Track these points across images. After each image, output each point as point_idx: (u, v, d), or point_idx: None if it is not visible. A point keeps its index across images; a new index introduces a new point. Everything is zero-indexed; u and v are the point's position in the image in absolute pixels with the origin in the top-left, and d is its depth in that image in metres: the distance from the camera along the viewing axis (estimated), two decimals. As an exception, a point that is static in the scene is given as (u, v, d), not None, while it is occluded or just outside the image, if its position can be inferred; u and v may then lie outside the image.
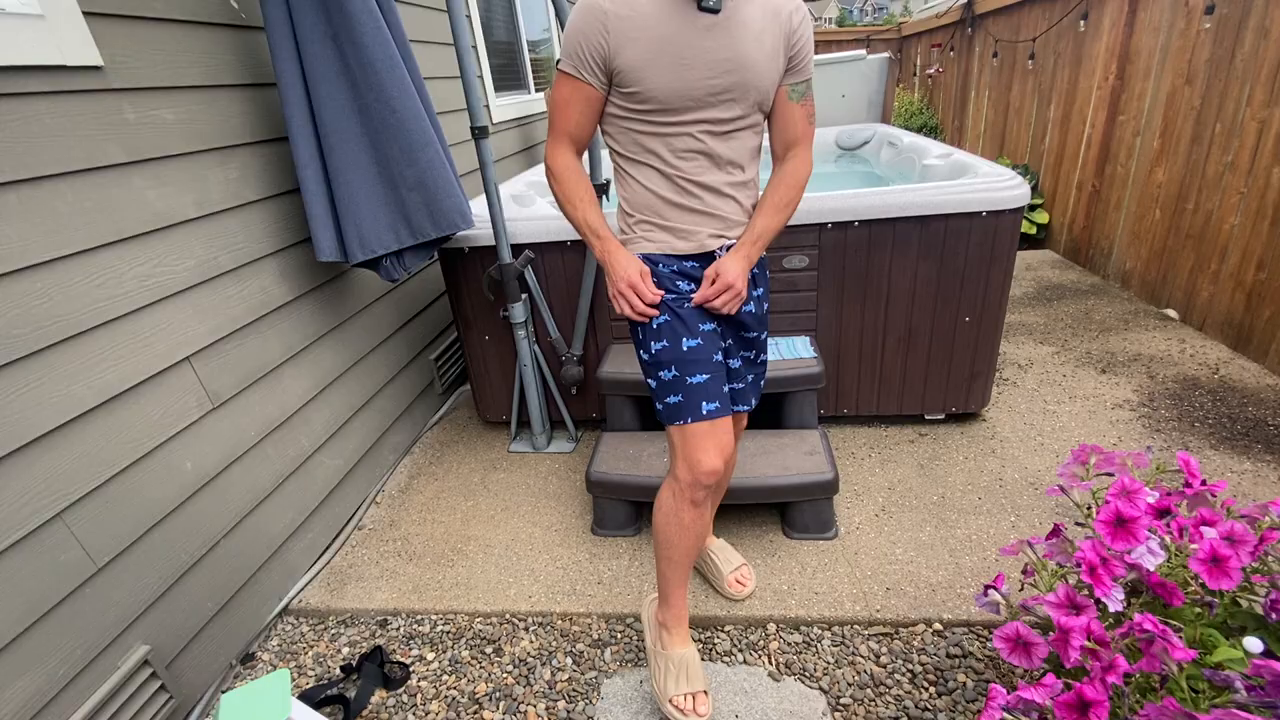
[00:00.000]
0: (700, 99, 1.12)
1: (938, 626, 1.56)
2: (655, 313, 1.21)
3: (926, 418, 2.31)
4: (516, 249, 2.13)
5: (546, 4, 4.37)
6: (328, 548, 2.01)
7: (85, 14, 1.31)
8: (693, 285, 1.25)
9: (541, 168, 3.16)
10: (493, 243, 2.09)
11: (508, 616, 1.72)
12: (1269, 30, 2.47)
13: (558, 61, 1.18)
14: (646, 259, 1.24)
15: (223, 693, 1.45)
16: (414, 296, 2.57)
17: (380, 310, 2.33)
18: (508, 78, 3.78)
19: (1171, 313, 2.99)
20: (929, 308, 2.09)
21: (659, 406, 1.27)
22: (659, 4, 1.09)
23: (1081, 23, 3.63)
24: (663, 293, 1.20)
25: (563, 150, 1.23)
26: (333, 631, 1.76)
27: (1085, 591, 0.97)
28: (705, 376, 1.21)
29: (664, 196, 1.21)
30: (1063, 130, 3.92)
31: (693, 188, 1.19)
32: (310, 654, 1.70)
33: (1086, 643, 0.88)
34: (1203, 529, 1.04)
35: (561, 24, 1.64)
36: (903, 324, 2.13)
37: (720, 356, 1.26)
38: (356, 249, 1.86)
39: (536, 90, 4.19)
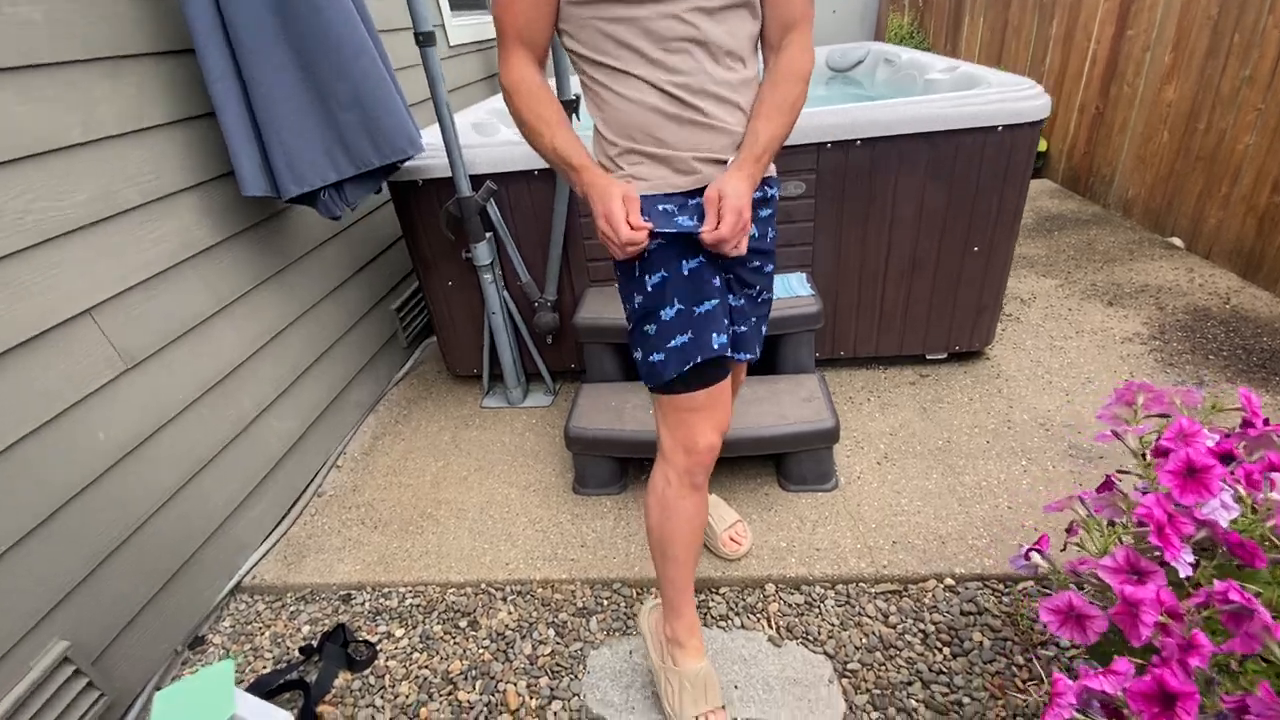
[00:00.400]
0: None
1: (949, 582, 1.45)
2: (641, 243, 0.94)
3: (928, 358, 2.17)
4: (477, 181, 1.89)
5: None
6: (283, 518, 1.83)
7: None
8: (697, 221, 0.98)
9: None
10: (449, 173, 1.84)
11: (483, 586, 1.58)
12: (1304, -78, 2.23)
13: None
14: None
15: (157, 690, 1.30)
16: (368, 238, 2.32)
17: (330, 254, 2.08)
18: (465, -5, 3.40)
19: (1176, 241, 2.85)
20: (935, 237, 1.91)
21: (654, 360, 1.02)
22: None
23: (1090, -75, 3.33)
24: (649, 223, 0.93)
25: (517, 60, 0.96)
26: (291, 609, 1.60)
27: (1149, 554, 0.83)
28: (714, 303, 1.00)
29: (655, 108, 0.93)
30: (1065, 48, 3.67)
31: (689, 94, 0.92)
32: (267, 634, 1.55)
33: (1160, 617, 0.74)
34: (1273, 476, 0.90)
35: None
36: (907, 256, 1.95)
37: (721, 283, 1.04)
38: (288, 181, 1.61)
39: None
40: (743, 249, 0.95)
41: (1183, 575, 0.80)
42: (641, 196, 0.96)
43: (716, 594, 1.49)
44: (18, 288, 1.18)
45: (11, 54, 1.18)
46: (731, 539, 1.54)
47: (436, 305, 2.19)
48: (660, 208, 0.97)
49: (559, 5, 0.94)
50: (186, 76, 1.55)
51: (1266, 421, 0.99)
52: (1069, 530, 0.96)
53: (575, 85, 1.91)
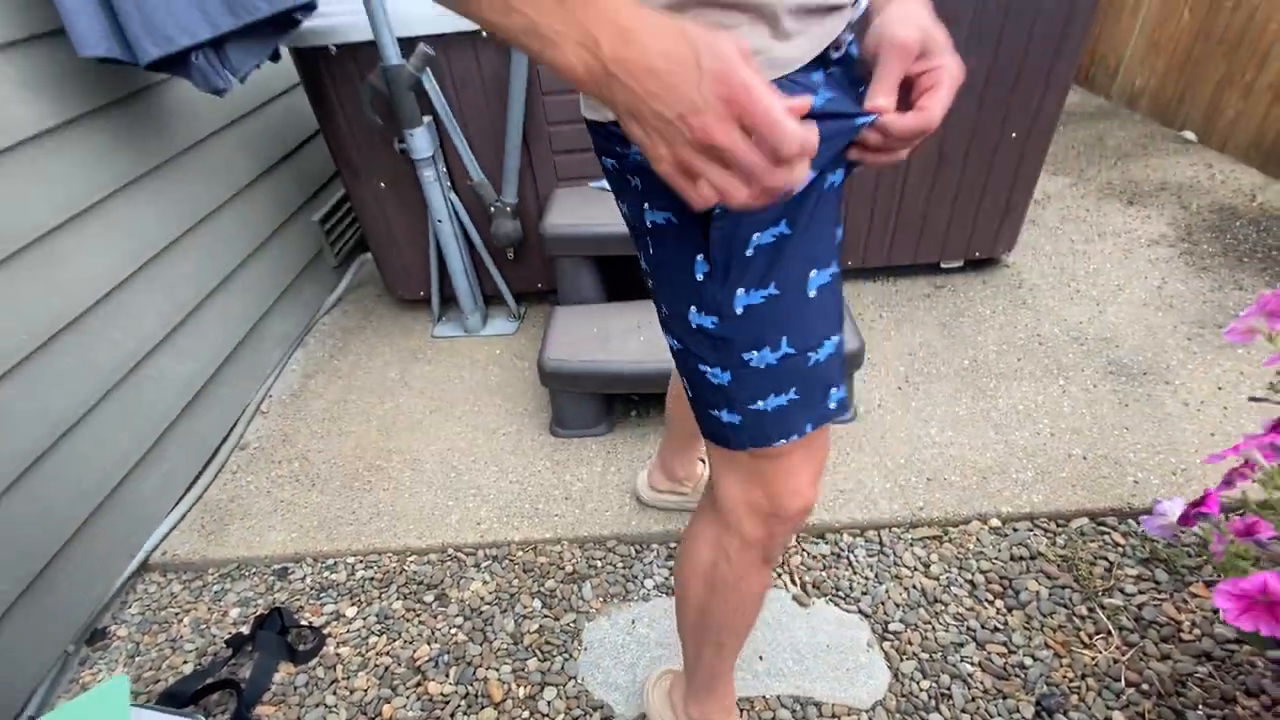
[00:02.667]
0: None
1: (995, 523, 1.27)
2: (814, 149, 0.39)
3: (943, 266, 1.93)
4: (408, 45, 1.46)
5: None
6: (196, 479, 1.51)
7: None
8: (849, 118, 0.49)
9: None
10: (370, 36, 1.41)
11: (451, 552, 1.32)
12: None
13: None
14: None
15: (32, 718, 1.01)
16: (277, 128, 1.87)
17: (225, 148, 1.65)
18: None
19: (1189, 134, 2.64)
20: (969, 120, 1.61)
21: (736, 419, 0.61)
22: None
23: None
24: (815, 124, 0.38)
25: None
26: (215, 588, 1.32)
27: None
28: (839, 339, 0.61)
29: None
30: (1074, -85, 3.27)
31: None
32: (187, 621, 1.27)
33: None
34: None
35: None
36: (933, 148, 1.66)
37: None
38: (145, 40, 1.17)
39: None
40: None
41: None
42: None
43: (729, 548, 1.28)
44: None
45: None
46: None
47: (368, 213, 1.80)
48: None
49: None
50: None
51: None
52: (1226, 481, 0.74)
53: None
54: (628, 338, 1.47)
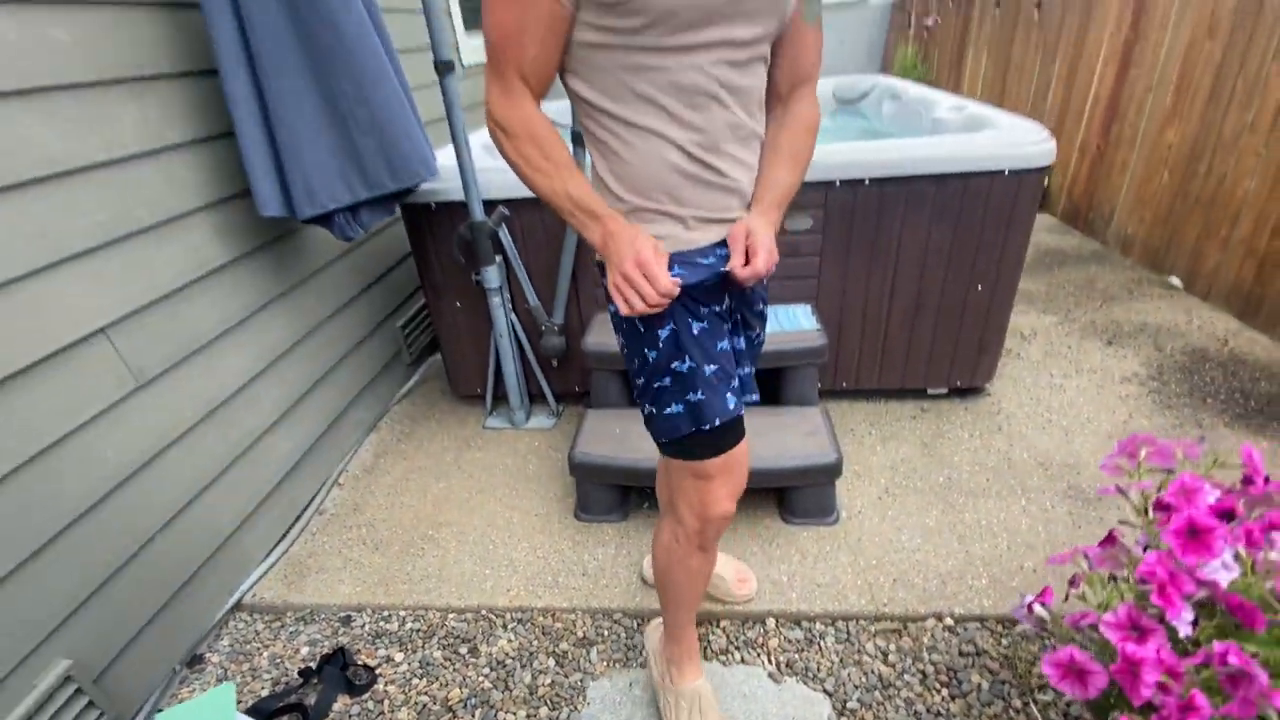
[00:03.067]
0: (722, 7, 0.83)
1: (949, 622, 1.46)
2: (675, 294, 0.87)
3: (929, 392, 2.18)
4: (489, 205, 1.91)
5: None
6: (284, 536, 1.83)
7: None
8: (711, 266, 0.96)
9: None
10: (462, 197, 1.87)
11: (484, 612, 1.58)
12: (1304, -24, 2.29)
13: None
14: None
15: (156, 713, 1.29)
16: (377, 256, 2.34)
17: (338, 273, 2.10)
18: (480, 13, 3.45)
19: (1175, 281, 2.89)
20: (939, 275, 1.93)
21: (669, 412, 0.98)
22: None
23: (1094, -32, 3.40)
24: (679, 281, 0.87)
25: (520, 96, 0.88)
26: (291, 629, 1.60)
27: (1150, 611, 0.85)
28: (717, 367, 0.98)
29: (674, 167, 0.89)
30: (1067, 87, 3.73)
31: (707, 153, 0.90)
32: (265, 655, 1.54)
33: (1161, 677, 0.75)
34: (1273, 535, 0.91)
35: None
36: (911, 292, 1.97)
37: (727, 341, 1.03)
38: (304, 203, 1.63)
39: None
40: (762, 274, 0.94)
41: (1182, 635, 0.81)
42: None
43: (717, 627, 1.50)
44: (35, 305, 1.19)
45: (38, 75, 1.20)
46: (739, 578, 1.54)
47: (444, 326, 2.21)
48: (674, 268, 0.93)
49: (569, 43, 0.87)
50: (207, 97, 1.57)
51: (1267, 479, 1.01)
52: (1071, 582, 0.97)
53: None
54: (644, 439, 1.76)
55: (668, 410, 0.98)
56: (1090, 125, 3.53)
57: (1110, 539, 0.98)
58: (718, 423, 0.97)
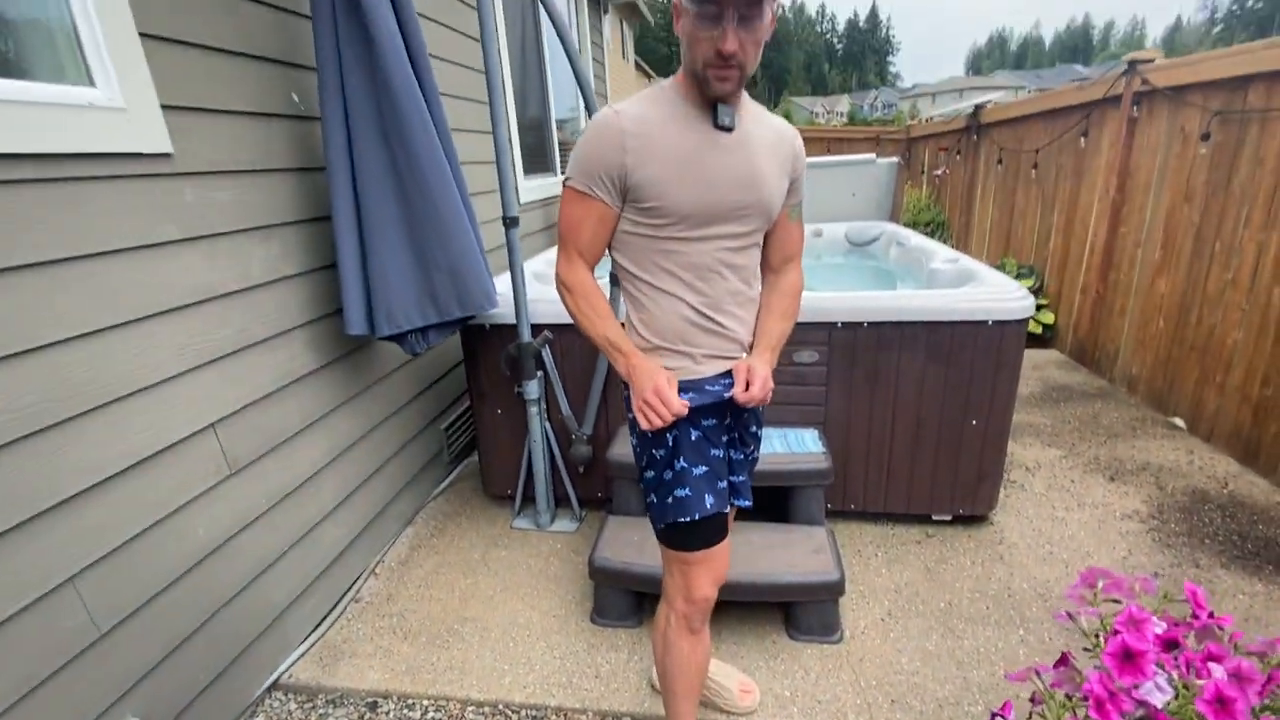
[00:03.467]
0: (724, 213, 1.16)
1: (944, 747, 1.51)
2: (683, 415, 1.13)
3: (934, 518, 2.30)
4: (536, 328, 2.21)
5: (577, 92, 4.66)
6: (323, 620, 1.98)
7: (164, 107, 1.44)
8: (715, 393, 1.23)
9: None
10: (513, 321, 2.17)
11: (501, 707, 1.68)
12: (1264, 160, 2.60)
13: (566, 178, 1.20)
14: None
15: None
16: (430, 366, 2.64)
17: (398, 380, 2.39)
18: (536, 161, 4.01)
19: (1179, 421, 3.00)
20: (936, 408, 2.12)
21: (669, 501, 1.22)
22: (675, 123, 1.14)
23: (1082, 140, 3.83)
24: (688, 403, 1.14)
25: (579, 265, 1.21)
26: (321, 711, 1.71)
27: (1095, 728, 0.96)
28: (706, 469, 1.22)
29: (686, 319, 1.20)
30: (1066, 236, 4.06)
31: (712, 310, 1.20)
32: (295, 734, 1.65)
33: (1097, 787, 0.86)
34: (1210, 665, 1.03)
35: (589, 110, 1.75)
36: (911, 422, 2.15)
37: (720, 452, 1.27)
38: (384, 323, 1.93)
39: (562, 172, 4.42)
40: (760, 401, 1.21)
41: (1124, 751, 0.92)
42: None
43: (720, 737, 1.57)
44: (170, 404, 1.46)
45: (204, 225, 1.56)
46: (743, 689, 1.63)
47: (484, 430, 2.45)
48: (685, 393, 1.21)
49: (614, 231, 1.20)
50: (316, 239, 1.93)
51: (1211, 614, 1.13)
52: (1032, 700, 1.08)
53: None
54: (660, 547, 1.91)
55: (663, 501, 1.23)
56: (1089, 271, 3.80)
57: (1063, 660, 1.09)
58: (696, 516, 1.20)
